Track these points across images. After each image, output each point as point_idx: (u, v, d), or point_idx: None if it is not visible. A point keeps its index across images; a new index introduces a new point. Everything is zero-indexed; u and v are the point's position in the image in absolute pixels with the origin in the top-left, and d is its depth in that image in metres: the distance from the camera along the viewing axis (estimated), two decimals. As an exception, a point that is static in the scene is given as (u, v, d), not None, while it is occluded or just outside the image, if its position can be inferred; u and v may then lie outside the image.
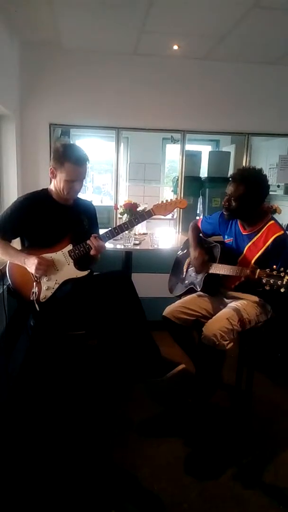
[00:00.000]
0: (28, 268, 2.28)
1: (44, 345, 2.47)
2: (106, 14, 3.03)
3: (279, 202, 4.43)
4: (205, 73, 4.03)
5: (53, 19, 3.15)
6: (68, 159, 2.26)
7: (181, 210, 4.26)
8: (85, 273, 2.38)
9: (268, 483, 2.03)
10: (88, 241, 2.31)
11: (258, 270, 2.09)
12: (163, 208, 2.45)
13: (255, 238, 2.34)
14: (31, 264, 2.25)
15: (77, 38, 3.58)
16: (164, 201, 2.48)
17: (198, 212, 4.90)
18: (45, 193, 2.43)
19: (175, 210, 3.60)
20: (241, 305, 2.33)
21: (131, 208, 3.36)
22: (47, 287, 2.32)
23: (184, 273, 2.70)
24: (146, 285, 3.43)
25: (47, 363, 2.62)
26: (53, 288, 2.33)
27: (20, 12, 3.03)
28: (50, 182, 2.39)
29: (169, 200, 2.47)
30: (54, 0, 2.80)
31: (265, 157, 4.74)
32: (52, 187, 2.38)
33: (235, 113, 4.13)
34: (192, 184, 4.62)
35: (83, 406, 2.53)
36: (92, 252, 2.33)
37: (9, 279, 2.36)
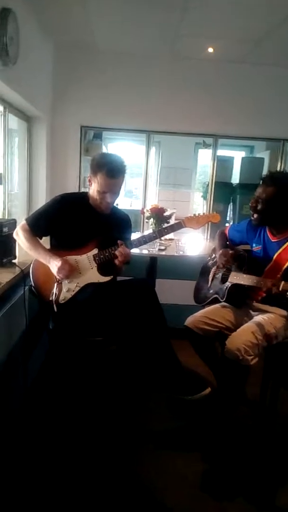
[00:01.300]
0: (51, 268, 2.26)
1: (62, 349, 2.44)
2: (140, 14, 2.99)
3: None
4: (240, 77, 3.93)
5: (87, 20, 3.15)
6: (101, 170, 2.21)
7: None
8: (107, 278, 2.33)
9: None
10: (115, 247, 2.27)
11: (283, 283, 1.97)
12: (195, 221, 2.39)
13: (286, 244, 2.22)
14: (54, 265, 2.23)
15: (110, 39, 3.57)
16: (197, 214, 2.42)
17: (228, 219, 4.78)
18: (83, 196, 2.41)
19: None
20: (268, 318, 2.22)
21: (157, 213, 3.30)
22: (67, 289, 2.29)
23: (210, 282, 2.60)
24: (170, 291, 3.38)
25: (65, 367, 2.58)
26: (74, 290, 2.30)
27: (53, 13, 3.04)
28: (83, 186, 2.37)
29: (201, 214, 2.41)
30: (88, 1, 2.78)
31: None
32: (90, 191, 2.36)
33: (270, 119, 4.01)
34: (223, 190, 4.51)
35: (100, 413, 2.47)
36: (117, 259, 2.27)
37: (31, 277, 2.35)
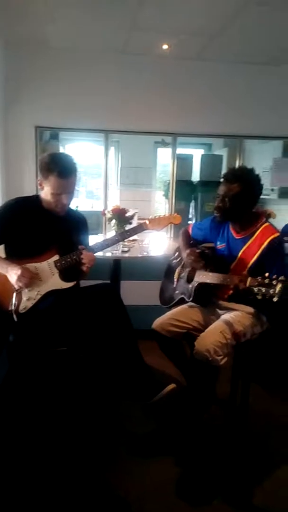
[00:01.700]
0: (9, 278, 2.14)
1: (25, 362, 2.31)
2: (94, 10, 2.91)
3: (273, 206, 4.33)
4: (197, 74, 3.92)
5: (39, 16, 3.03)
6: (52, 172, 2.12)
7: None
8: (70, 284, 2.24)
9: (265, 506, 1.89)
10: (77, 252, 2.18)
11: (249, 279, 1.94)
12: (157, 223, 2.40)
13: (250, 241, 2.20)
14: (13, 273, 2.11)
15: (63, 35, 3.46)
16: (158, 216, 2.42)
17: (190, 216, 4.78)
18: (35, 200, 2.29)
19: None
20: (235, 316, 2.20)
21: (119, 214, 3.23)
22: (28, 298, 2.18)
23: (175, 282, 2.56)
24: (136, 293, 3.33)
25: (28, 382, 2.45)
26: (35, 299, 2.19)
27: (1, 9, 2.90)
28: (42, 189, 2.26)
29: (161, 216, 2.41)
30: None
31: (258, 161, 4.63)
32: (43, 194, 2.25)
33: (228, 116, 4.01)
34: (184, 188, 4.51)
35: (67, 424, 2.37)
36: (83, 265, 2.20)
37: None
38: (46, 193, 2.20)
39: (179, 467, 2.10)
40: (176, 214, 2.51)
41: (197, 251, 2.36)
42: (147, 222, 2.38)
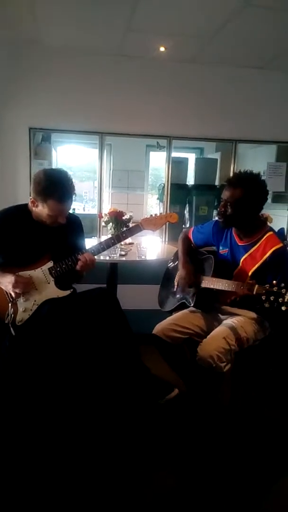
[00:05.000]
0: (3, 288, 2.07)
1: (19, 368, 2.23)
2: (89, 11, 2.87)
3: (266, 210, 4.31)
4: (193, 77, 3.90)
5: (33, 15, 2.97)
6: (52, 197, 2.05)
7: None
8: (67, 292, 2.19)
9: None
10: (72, 258, 2.12)
11: (257, 286, 1.92)
12: (152, 222, 2.34)
13: (252, 249, 2.17)
14: (7, 282, 2.05)
15: (57, 36, 3.41)
16: (153, 215, 2.35)
17: (184, 220, 4.75)
18: (23, 209, 2.21)
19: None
20: (238, 322, 2.17)
21: (116, 217, 3.18)
22: (24, 309, 2.12)
23: (175, 286, 2.51)
24: (133, 297, 3.29)
25: (23, 387, 2.38)
26: (31, 309, 2.13)
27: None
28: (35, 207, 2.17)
29: (158, 214, 2.34)
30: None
31: (252, 165, 4.61)
32: (36, 210, 2.15)
33: (223, 119, 4.00)
34: (178, 192, 4.47)
35: (66, 430, 2.30)
36: (79, 267, 2.13)
37: None
38: (40, 211, 2.12)
39: (181, 478, 2.04)
40: (172, 212, 2.46)
41: (192, 279, 2.31)
42: (142, 222, 2.32)
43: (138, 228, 2.30)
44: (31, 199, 2.12)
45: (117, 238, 2.32)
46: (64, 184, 2.08)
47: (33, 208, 2.15)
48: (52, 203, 2.05)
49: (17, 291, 2.05)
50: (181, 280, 2.35)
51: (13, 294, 2.07)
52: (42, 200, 2.07)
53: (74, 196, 2.16)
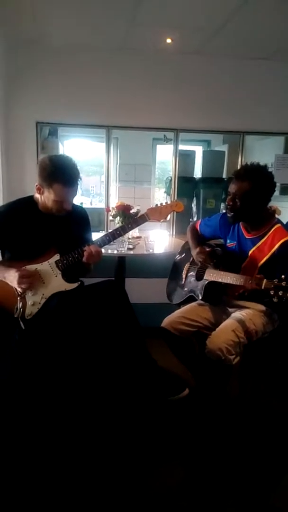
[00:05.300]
0: (10, 283, 2.07)
1: (28, 362, 2.25)
2: (94, 5, 2.86)
3: (274, 202, 4.28)
4: (199, 68, 3.87)
5: (38, 12, 2.98)
6: (58, 180, 2.04)
7: (174, 212, 4.10)
8: (75, 285, 2.18)
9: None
10: (79, 250, 2.12)
11: (265, 281, 1.91)
12: (158, 212, 2.30)
13: (260, 242, 2.15)
14: (12, 277, 2.04)
15: (64, 32, 3.40)
16: (159, 204, 2.32)
17: (192, 213, 4.73)
18: (29, 201, 2.21)
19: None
20: (247, 314, 2.16)
21: (124, 210, 3.19)
22: (32, 303, 2.11)
23: (184, 279, 2.52)
24: (141, 290, 3.29)
25: (32, 381, 2.39)
26: (40, 303, 2.13)
27: (2, 7, 2.84)
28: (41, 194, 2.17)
29: (163, 204, 2.31)
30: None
31: (259, 157, 4.59)
32: (41, 198, 2.16)
33: (229, 111, 3.96)
34: (186, 185, 4.45)
35: (72, 425, 2.31)
36: (85, 259, 2.13)
37: None
38: (46, 198, 2.12)
39: (188, 470, 2.05)
40: (178, 201, 2.43)
41: (207, 249, 2.31)
42: (147, 212, 2.28)
43: (143, 218, 2.27)
44: (37, 185, 2.12)
45: (123, 229, 2.29)
46: (69, 168, 2.08)
47: (39, 196, 2.15)
48: (58, 187, 2.05)
49: (23, 286, 2.05)
50: (197, 257, 2.32)
51: (19, 289, 2.07)
52: (48, 185, 2.07)
53: (79, 181, 2.15)
